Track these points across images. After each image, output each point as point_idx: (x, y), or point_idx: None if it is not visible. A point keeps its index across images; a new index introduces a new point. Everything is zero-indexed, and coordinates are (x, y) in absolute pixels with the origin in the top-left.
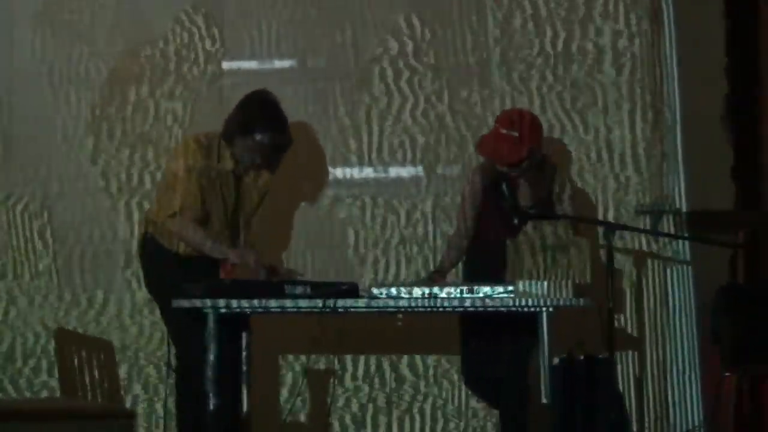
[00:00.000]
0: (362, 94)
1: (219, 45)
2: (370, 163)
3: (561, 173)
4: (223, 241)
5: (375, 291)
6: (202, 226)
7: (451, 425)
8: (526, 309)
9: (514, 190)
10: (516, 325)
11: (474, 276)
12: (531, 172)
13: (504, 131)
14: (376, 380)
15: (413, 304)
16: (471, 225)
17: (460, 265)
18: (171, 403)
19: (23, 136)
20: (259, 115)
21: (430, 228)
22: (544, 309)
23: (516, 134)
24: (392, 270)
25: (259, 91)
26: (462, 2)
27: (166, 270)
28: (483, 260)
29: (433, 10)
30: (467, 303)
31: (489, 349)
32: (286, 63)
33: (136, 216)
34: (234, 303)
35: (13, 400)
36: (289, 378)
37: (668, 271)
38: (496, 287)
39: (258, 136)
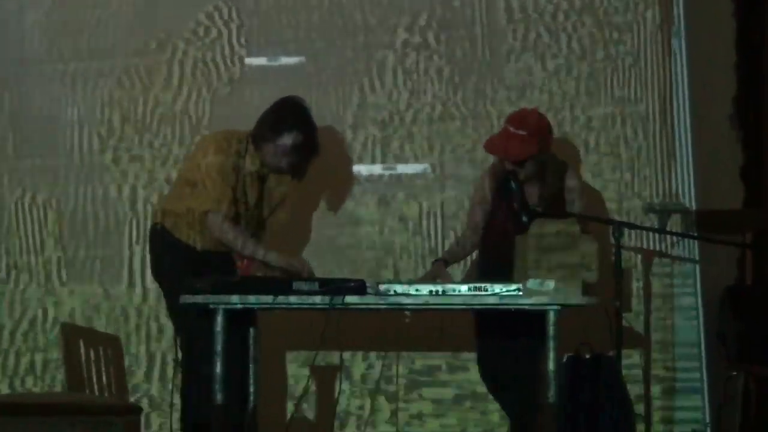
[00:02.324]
0: (372, 91)
1: (233, 41)
2: (379, 161)
3: (570, 171)
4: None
5: (382, 288)
6: (235, 224)
7: (460, 422)
8: (533, 307)
9: (523, 188)
10: (526, 323)
11: (484, 274)
12: (540, 170)
13: (512, 130)
14: (383, 377)
15: (421, 302)
16: (479, 228)
17: (462, 263)
18: (177, 398)
19: (34, 129)
20: (288, 119)
21: (439, 226)
22: (551, 308)
23: (524, 133)
24: (400, 268)
25: (291, 97)
26: (473, 1)
27: (177, 262)
28: (493, 258)
29: (444, 9)
30: (475, 301)
31: (502, 346)
32: (296, 60)
33: (148, 209)
34: (242, 299)
35: (20, 395)
36: (296, 374)
37: (676, 270)
38: (504, 285)
39: (285, 141)
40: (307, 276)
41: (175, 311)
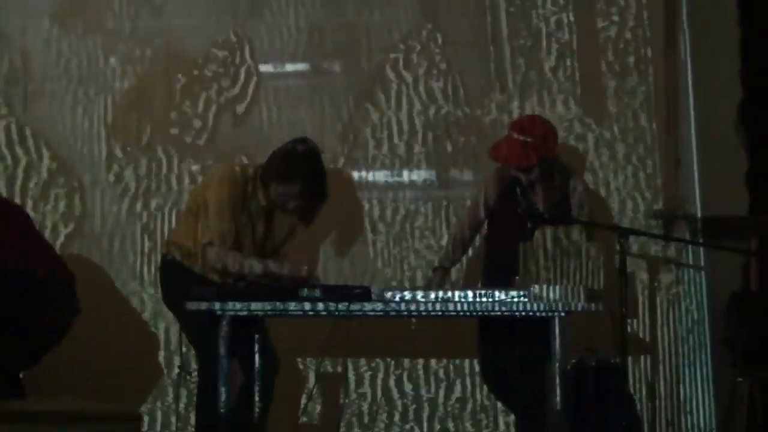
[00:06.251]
0: (376, 97)
1: (236, 48)
2: (383, 167)
3: (575, 178)
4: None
5: (387, 295)
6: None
7: (466, 428)
8: (539, 313)
9: (528, 194)
10: (531, 330)
11: (490, 280)
12: (545, 177)
13: (516, 136)
14: (389, 384)
15: (426, 308)
16: (480, 225)
17: (467, 266)
18: (182, 407)
19: (39, 138)
20: (297, 167)
21: (443, 232)
22: (557, 314)
23: (529, 139)
24: (404, 274)
25: (301, 140)
26: (476, 6)
27: (189, 288)
28: (498, 265)
29: (448, 15)
30: (480, 307)
31: (506, 352)
32: (299, 66)
33: (154, 222)
34: (247, 305)
35: (20, 402)
36: (301, 381)
37: (681, 276)
38: (509, 292)
39: (292, 188)
40: (311, 278)
41: (192, 337)
